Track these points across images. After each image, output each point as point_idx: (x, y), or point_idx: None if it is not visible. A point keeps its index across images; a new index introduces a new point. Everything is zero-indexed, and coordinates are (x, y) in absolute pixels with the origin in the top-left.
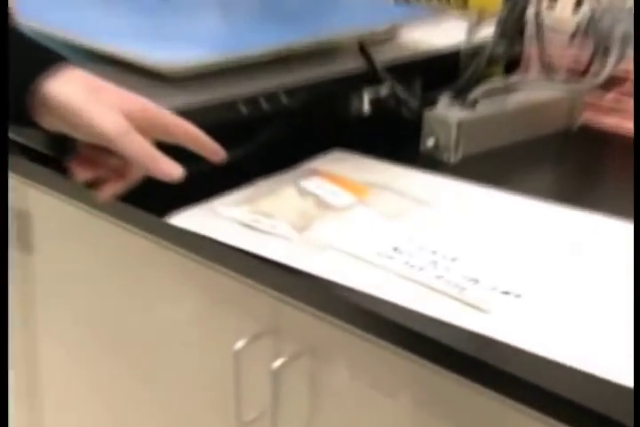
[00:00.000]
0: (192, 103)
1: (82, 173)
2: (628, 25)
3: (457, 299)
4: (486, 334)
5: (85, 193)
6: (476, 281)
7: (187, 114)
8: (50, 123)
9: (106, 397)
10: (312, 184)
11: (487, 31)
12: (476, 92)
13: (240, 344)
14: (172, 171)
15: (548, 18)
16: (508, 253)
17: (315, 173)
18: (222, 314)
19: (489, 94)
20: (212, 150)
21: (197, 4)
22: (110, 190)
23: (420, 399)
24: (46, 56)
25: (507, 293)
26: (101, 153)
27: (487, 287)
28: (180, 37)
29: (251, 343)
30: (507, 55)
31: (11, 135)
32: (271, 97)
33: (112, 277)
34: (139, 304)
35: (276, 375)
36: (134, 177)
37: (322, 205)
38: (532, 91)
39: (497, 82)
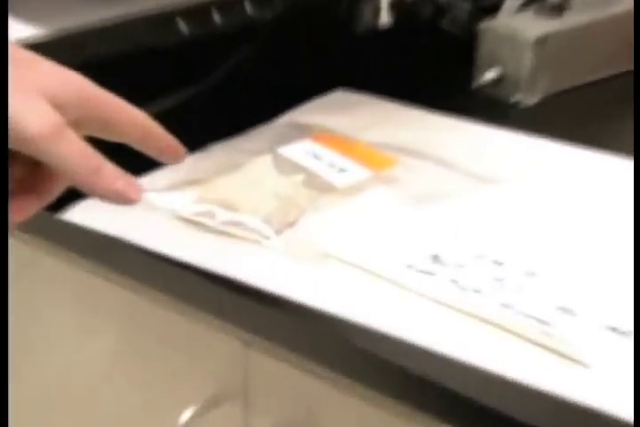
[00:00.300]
0: (110, 18)
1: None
2: None
3: (541, 344)
4: (588, 404)
5: None
6: (570, 312)
7: (107, 32)
8: None
9: None
10: (300, 150)
11: None
12: None
13: (187, 415)
14: (128, 191)
15: None
16: (614, 263)
17: (304, 130)
18: (159, 367)
19: None
20: (170, 150)
21: None
22: (23, 213)
23: None
24: None
25: (614, 329)
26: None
27: (588, 323)
28: None
29: (204, 413)
30: None
31: None
32: (229, 6)
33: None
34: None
35: None
36: (54, 193)
37: (316, 185)
38: None
39: None
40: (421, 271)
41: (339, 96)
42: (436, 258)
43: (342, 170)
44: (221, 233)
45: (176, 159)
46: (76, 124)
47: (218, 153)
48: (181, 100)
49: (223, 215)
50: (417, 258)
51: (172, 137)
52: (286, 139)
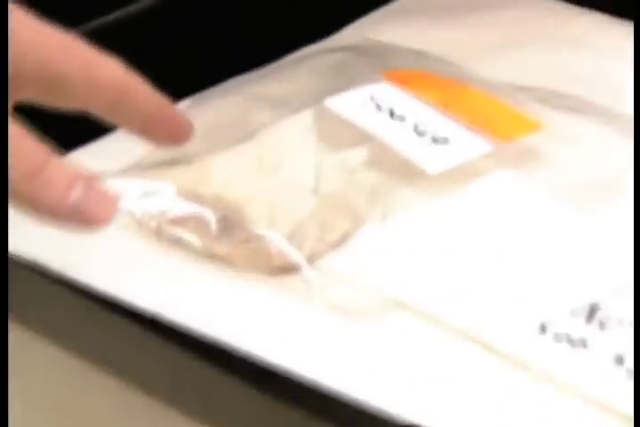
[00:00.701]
0: None
1: None
2: None
3: None
4: None
5: None
6: None
7: None
8: None
9: None
10: (364, 102)
11: None
12: None
13: None
14: (91, 206)
15: None
16: None
17: (371, 61)
18: None
19: None
20: (178, 131)
21: None
22: None
23: None
24: None
25: None
26: None
27: None
28: None
29: None
30: None
31: None
32: None
33: None
34: None
35: None
36: None
37: (391, 168)
38: None
39: None
40: (568, 338)
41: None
42: (594, 310)
43: (441, 140)
44: (213, 259)
45: (181, 143)
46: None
47: (213, 106)
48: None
49: (216, 227)
50: (561, 311)
51: (179, 111)
52: (339, 79)
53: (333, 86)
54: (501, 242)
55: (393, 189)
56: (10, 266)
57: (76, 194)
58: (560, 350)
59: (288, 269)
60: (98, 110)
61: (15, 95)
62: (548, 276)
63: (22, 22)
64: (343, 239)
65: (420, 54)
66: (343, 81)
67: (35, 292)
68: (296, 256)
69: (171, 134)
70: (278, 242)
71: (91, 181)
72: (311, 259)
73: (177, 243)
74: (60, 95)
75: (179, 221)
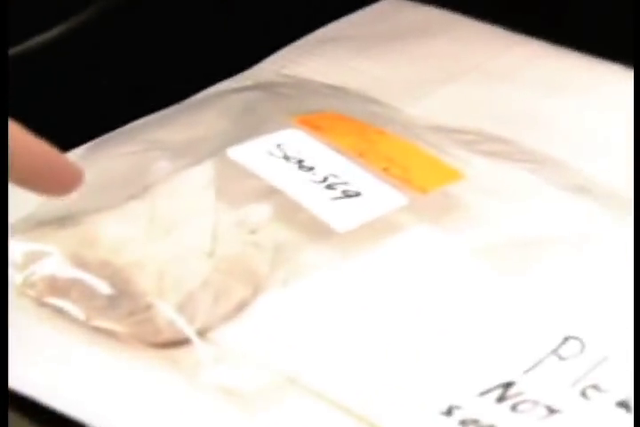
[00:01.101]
0: None
1: None
2: None
3: None
4: None
5: None
6: None
7: None
8: None
9: None
10: (271, 150)
11: None
12: None
13: None
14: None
15: None
16: None
17: (277, 108)
18: None
19: None
20: (67, 179)
21: None
22: None
23: None
24: None
25: None
26: None
27: None
28: None
29: None
30: None
31: None
32: None
33: None
34: None
35: None
36: None
37: (296, 227)
38: None
39: None
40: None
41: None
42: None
43: (352, 193)
44: (98, 331)
45: (69, 191)
46: None
47: (106, 155)
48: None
49: (102, 297)
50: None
51: (64, 158)
52: (246, 123)
53: (240, 132)
54: (412, 310)
55: (297, 249)
56: None
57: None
58: None
59: (177, 343)
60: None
61: None
62: (459, 351)
63: None
64: (240, 308)
65: (337, 90)
66: (251, 125)
67: None
68: (186, 329)
69: (55, 184)
70: (167, 313)
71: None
72: (203, 331)
73: (59, 314)
74: None
75: (62, 290)
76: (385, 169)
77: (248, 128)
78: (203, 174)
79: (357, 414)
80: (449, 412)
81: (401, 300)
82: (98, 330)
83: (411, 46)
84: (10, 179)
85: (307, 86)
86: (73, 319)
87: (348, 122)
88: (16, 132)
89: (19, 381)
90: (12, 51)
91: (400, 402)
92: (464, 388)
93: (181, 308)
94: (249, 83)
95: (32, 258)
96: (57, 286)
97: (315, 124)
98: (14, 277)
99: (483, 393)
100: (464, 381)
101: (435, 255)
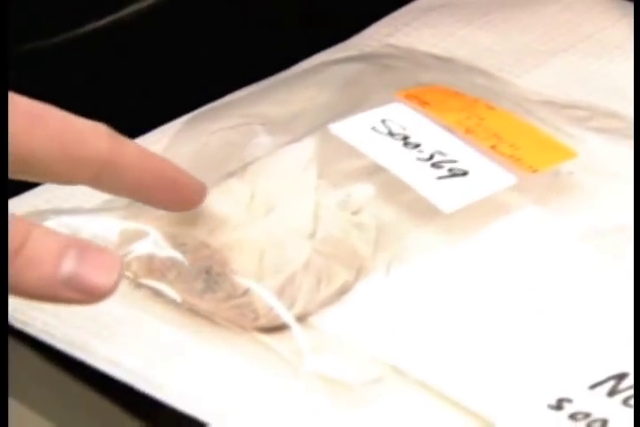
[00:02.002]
0: None
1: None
2: None
3: None
4: None
5: None
6: None
7: None
8: None
9: None
10: (375, 127)
11: None
12: None
13: None
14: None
15: None
16: None
17: (384, 78)
18: None
19: None
20: (190, 195)
21: None
22: None
23: None
24: None
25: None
26: None
27: None
28: None
29: None
30: None
31: None
32: None
33: None
34: None
35: None
36: None
37: (400, 207)
38: None
39: None
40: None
41: None
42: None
43: (459, 172)
44: (193, 315)
45: (190, 207)
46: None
47: (203, 131)
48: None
49: (199, 280)
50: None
51: (188, 174)
52: (350, 97)
53: (342, 106)
54: (518, 296)
55: (401, 231)
56: None
57: (68, 265)
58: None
59: (276, 328)
60: (85, 184)
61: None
62: (569, 340)
63: None
64: (342, 293)
65: (444, 62)
66: (354, 99)
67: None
68: (285, 314)
69: (176, 200)
70: (266, 297)
71: (84, 244)
72: (303, 317)
73: (155, 295)
74: (37, 173)
75: (158, 271)
76: (493, 147)
77: (351, 102)
78: (303, 151)
79: (463, 406)
80: (559, 406)
81: (507, 285)
82: (193, 313)
83: (521, 15)
84: (137, 198)
85: (413, 57)
86: (168, 301)
87: (456, 96)
88: (121, 150)
89: (113, 365)
90: (90, 26)
91: (508, 395)
92: (574, 380)
93: (281, 292)
94: (352, 53)
95: (128, 237)
96: (153, 267)
97: (421, 98)
98: None
99: (593, 386)
100: (574, 373)
101: (543, 239)
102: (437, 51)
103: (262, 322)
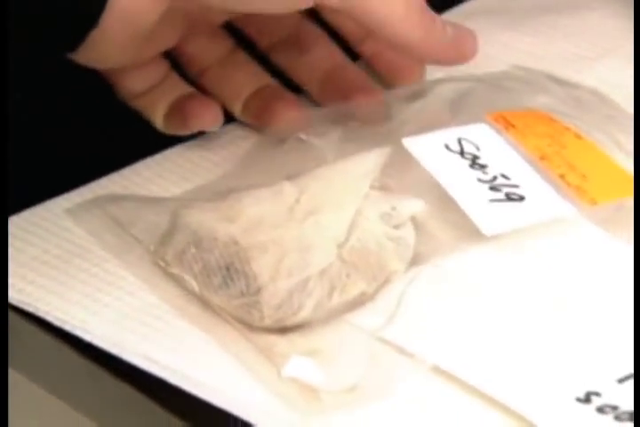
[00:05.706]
0: None
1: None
2: None
3: None
4: None
5: None
6: None
7: None
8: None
9: None
10: (457, 145)
11: None
12: None
13: None
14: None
15: None
16: None
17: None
18: None
19: None
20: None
21: None
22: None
23: None
24: None
25: None
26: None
27: None
28: None
29: None
30: None
31: None
32: None
33: None
34: None
35: None
36: None
37: (441, 226)
38: None
39: None
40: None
41: None
42: None
43: (516, 197)
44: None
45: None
46: None
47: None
48: None
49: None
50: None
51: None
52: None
53: (413, 123)
54: (550, 294)
55: (438, 250)
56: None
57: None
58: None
59: (279, 330)
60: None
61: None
62: (597, 334)
63: None
64: (356, 304)
65: (572, 87)
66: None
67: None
68: (288, 318)
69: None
70: (274, 299)
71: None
72: (306, 322)
73: (179, 280)
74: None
75: (187, 264)
76: (561, 175)
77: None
78: (368, 161)
79: (494, 399)
80: (587, 399)
81: (538, 283)
82: (207, 305)
83: (565, 20)
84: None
85: (532, 79)
86: (189, 289)
87: (548, 123)
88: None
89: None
90: None
91: (537, 388)
92: (603, 374)
93: (290, 295)
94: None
95: (170, 231)
96: (183, 260)
97: (509, 121)
98: (149, 246)
99: (622, 380)
100: (603, 366)
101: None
102: (479, 56)
103: (267, 323)
